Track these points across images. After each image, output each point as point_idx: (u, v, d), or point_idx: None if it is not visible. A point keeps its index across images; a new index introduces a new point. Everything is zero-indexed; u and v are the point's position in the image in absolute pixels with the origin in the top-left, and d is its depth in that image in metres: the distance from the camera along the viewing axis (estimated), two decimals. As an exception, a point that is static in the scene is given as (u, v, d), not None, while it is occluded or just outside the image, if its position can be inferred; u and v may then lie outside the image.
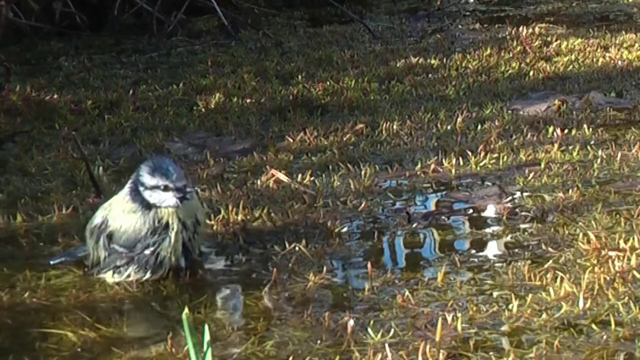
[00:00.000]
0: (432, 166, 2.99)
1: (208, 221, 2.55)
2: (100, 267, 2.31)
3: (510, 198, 2.76)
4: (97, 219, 2.33)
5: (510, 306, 2.11)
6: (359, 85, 3.99)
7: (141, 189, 2.27)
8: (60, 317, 2.16)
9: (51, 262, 2.39)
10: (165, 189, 2.26)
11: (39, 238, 2.57)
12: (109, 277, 2.31)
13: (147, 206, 2.27)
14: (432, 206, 2.76)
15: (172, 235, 2.28)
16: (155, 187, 2.26)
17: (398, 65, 4.32)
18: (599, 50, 4.52)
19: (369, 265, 2.31)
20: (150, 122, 3.61)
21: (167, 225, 2.28)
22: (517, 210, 2.67)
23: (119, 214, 2.30)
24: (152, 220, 2.27)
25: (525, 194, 2.78)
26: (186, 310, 1.76)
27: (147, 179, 2.27)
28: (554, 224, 2.56)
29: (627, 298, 2.12)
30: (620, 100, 3.74)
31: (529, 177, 2.88)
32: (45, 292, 2.27)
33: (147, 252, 2.27)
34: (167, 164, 2.29)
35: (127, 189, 2.31)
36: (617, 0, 5.95)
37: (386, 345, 1.95)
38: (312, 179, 2.93)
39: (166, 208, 2.27)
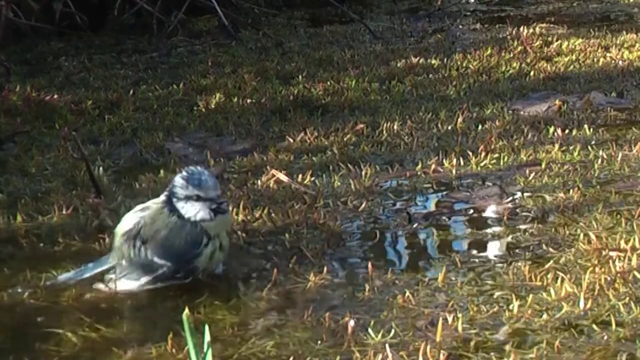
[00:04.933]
0: (433, 166, 2.99)
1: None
2: (122, 274, 2.27)
3: (510, 198, 2.76)
4: (130, 223, 2.27)
5: (510, 306, 2.11)
6: (360, 85, 3.99)
7: (174, 200, 2.24)
8: (60, 318, 2.16)
9: (60, 280, 2.31)
10: (198, 199, 2.22)
11: (39, 238, 2.57)
12: (127, 284, 2.26)
13: (183, 219, 2.24)
14: (432, 206, 2.76)
15: (208, 251, 2.25)
16: (188, 198, 2.23)
17: (399, 65, 4.32)
18: (599, 50, 4.51)
19: (369, 265, 2.31)
20: (151, 122, 3.61)
21: (205, 240, 2.24)
22: (517, 210, 2.67)
23: (156, 225, 2.25)
24: (191, 235, 2.24)
25: (525, 194, 2.78)
26: (186, 310, 1.76)
27: (180, 189, 2.23)
28: (554, 224, 2.56)
29: (628, 298, 2.12)
30: (621, 100, 3.74)
31: (530, 178, 2.88)
32: (45, 292, 2.27)
33: (187, 266, 2.25)
34: (201, 174, 2.25)
35: (163, 197, 2.27)
36: (618, 0, 5.95)
37: (387, 345, 1.95)
38: (312, 179, 2.93)
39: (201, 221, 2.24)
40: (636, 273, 2.22)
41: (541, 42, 4.69)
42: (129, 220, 2.29)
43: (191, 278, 2.26)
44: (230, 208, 2.65)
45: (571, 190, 2.75)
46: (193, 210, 2.23)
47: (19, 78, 4.19)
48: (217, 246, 2.26)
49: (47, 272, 2.35)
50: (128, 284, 2.25)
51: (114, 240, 2.30)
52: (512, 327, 2.04)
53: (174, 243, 2.24)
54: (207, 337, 1.74)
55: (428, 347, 1.93)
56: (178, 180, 2.25)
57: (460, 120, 3.45)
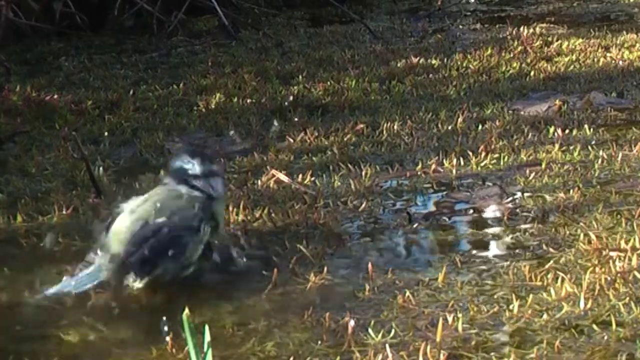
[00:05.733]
0: (433, 166, 2.99)
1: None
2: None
3: (511, 198, 2.75)
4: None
5: (511, 306, 2.11)
6: (360, 85, 3.99)
7: (188, 179, 2.29)
8: (60, 318, 2.16)
9: (47, 294, 2.23)
10: (212, 174, 2.30)
11: (39, 238, 2.57)
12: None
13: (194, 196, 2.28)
14: (432, 206, 2.76)
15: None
16: (205, 175, 2.29)
17: (399, 65, 4.32)
18: (600, 50, 4.51)
19: (369, 265, 2.31)
20: (151, 122, 3.61)
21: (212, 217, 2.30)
22: (517, 210, 2.67)
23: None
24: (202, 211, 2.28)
25: (526, 194, 2.78)
26: (186, 310, 1.75)
27: (194, 167, 2.29)
28: (554, 224, 2.56)
29: (628, 298, 2.12)
30: (622, 100, 3.74)
31: (530, 178, 2.88)
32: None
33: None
34: (205, 152, 2.32)
35: (169, 182, 2.32)
36: (618, 0, 5.95)
37: (387, 345, 1.95)
38: (312, 179, 2.93)
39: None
40: (636, 273, 2.22)
41: (541, 42, 4.68)
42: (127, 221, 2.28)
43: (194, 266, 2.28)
44: (231, 208, 2.66)
45: (571, 190, 2.75)
46: (217, 186, 2.30)
47: (19, 78, 4.19)
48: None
49: (45, 272, 2.36)
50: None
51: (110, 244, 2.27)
52: (512, 327, 2.04)
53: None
54: (207, 337, 1.74)
55: (428, 347, 1.93)
56: (190, 159, 2.30)
57: (460, 120, 3.45)
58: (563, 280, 2.20)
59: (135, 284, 2.21)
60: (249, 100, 3.82)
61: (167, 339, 2.00)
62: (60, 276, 2.31)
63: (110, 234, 2.25)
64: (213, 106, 3.77)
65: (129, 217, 2.26)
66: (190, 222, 2.26)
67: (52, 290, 2.22)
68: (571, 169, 2.95)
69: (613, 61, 4.29)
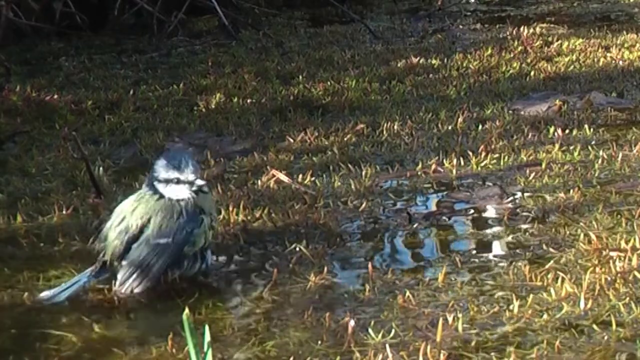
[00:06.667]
0: (433, 166, 2.99)
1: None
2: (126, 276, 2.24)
3: (511, 198, 2.75)
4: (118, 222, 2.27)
5: (511, 307, 2.11)
6: (360, 85, 3.99)
7: (155, 182, 2.28)
8: (60, 318, 2.16)
9: (42, 298, 2.23)
10: (178, 182, 2.26)
11: (39, 238, 2.57)
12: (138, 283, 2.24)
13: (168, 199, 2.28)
14: (433, 206, 2.76)
15: (205, 225, 2.28)
16: (168, 181, 2.27)
17: (399, 65, 4.32)
18: (600, 50, 4.51)
19: (369, 265, 2.31)
20: (151, 122, 3.61)
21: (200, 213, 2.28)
22: (518, 210, 2.67)
23: (145, 210, 2.26)
24: (186, 209, 2.26)
25: (526, 194, 2.78)
26: (186, 310, 1.75)
27: (160, 172, 2.28)
28: (555, 224, 2.56)
29: (628, 298, 2.12)
30: (622, 100, 3.74)
31: (530, 178, 2.88)
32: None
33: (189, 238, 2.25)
34: (181, 157, 2.29)
35: (146, 182, 2.32)
36: (618, 0, 5.94)
37: (387, 345, 1.95)
38: (312, 179, 2.93)
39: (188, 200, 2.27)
40: (636, 273, 2.22)
41: (541, 42, 4.68)
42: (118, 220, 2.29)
43: (199, 266, 2.28)
44: (231, 208, 2.66)
45: (571, 190, 2.75)
46: (173, 193, 2.27)
47: (19, 78, 4.19)
48: (209, 223, 2.29)
49: (46, 272, 2.36)
50: (139, 282, 2.24)
51: (107, 242, 2.28)
52: (512, 327, 2.04)
53: (172, 220, 2.25)
54: (207, 337, 1.73)
55: (428, 347, 1.93)
56: (159, 163, 2.29)
57: (460, 120, 3.45)
58: (563, 280, 2.20)
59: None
60: (249, 100, 3.82)
61: (167, 339, 2.00)
62: (60, 277, 2.32)
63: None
64: (213, 106, 3.77)
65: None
66: None
67: (44, 294, 2.23)
68: (571, 169, 2.95)
69: (613, 61, 4.29)
